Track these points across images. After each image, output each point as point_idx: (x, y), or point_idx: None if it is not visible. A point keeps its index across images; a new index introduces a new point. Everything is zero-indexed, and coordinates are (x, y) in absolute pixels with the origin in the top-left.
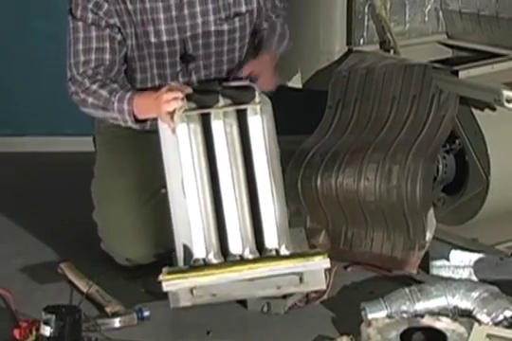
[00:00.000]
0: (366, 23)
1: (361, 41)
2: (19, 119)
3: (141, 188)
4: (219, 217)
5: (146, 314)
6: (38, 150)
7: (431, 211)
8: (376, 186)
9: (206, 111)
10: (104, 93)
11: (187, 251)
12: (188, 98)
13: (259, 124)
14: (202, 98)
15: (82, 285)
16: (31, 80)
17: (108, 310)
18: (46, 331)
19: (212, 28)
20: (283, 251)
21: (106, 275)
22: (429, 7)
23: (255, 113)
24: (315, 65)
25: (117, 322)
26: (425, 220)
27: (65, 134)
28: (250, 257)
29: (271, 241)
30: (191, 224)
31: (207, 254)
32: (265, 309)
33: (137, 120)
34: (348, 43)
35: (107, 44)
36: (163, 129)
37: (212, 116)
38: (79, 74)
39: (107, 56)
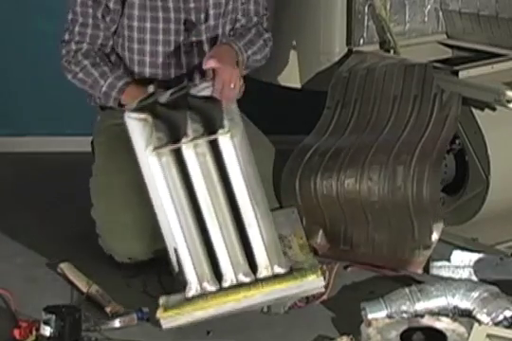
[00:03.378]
0: (366, 23)
1: (361, 41)
2: (19, 119)
3: (139, 186)
4: (208, 244)
5: (146, 313)
6: (38, 150)
7: (439, 211)
8: (380, 186)
9: (176, 146)
10: (96, 73)
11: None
12: (155, 113)
13: (231, 152)
14: (170, 118)
15: (82, 285)
16: (31, 80)
17: (108, 310)
18: (46, 331)
19: (211, 1)
20: (277, 270)
21: (106, 275)
22: (429, 7)
23: (226, 142)
24: (315, 66)
25: (117, 322)
26: (432, 220)
27: (65, 134)
28: (245, 280)
29: (263, 262)
30: (180, 255)
31: (201, 282)
32: (265, 309)
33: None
34: (348, 43)
35: (102, 23)
36: (142, 160)
37: (184, 150)
38: (74, 42)
39: (102, 33)
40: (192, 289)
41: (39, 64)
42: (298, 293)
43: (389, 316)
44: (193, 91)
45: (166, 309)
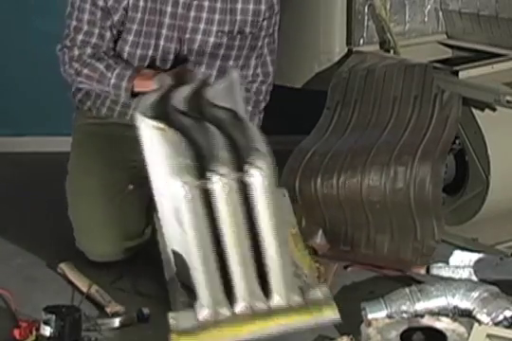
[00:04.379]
0: (366, 23)
1: (361, 41)
2: (19, 119)
3: (107, 186)
4: (224, 270)
5: (146, 314)
6: (38, 150)
7: (441, 212)
8: (381, 187)
9: (205, 184)
10: (101, 67)
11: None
12: (171, 120)
13: (260, 189)
14: (189, 131)
15: (82, 285)
16: (31, 80)
17: (108, 310)
18: (46, 331)
19: (212, 39)
20: (291, 297)
21: (106, 275)
22: (429, 7)
23: (256, 180)
24: (315, 66)
25: (117, 322)
26: (434, 220)
27: (65, 134)
28: (259, 306)
29: (278, 290)
30: (196, 279)
31: (214, 307)
32: None
33: (132, 95)
34: (348, 43)
35: (108, 34)
36: (158, 192)
37: (212, 184)
38: (77, 47)
39: (105, 44)
40: (205, 312)
41: (39, 64)
42: (313, 326)
43: (389, 316)
44: (210, 93)
45: (179, 334)
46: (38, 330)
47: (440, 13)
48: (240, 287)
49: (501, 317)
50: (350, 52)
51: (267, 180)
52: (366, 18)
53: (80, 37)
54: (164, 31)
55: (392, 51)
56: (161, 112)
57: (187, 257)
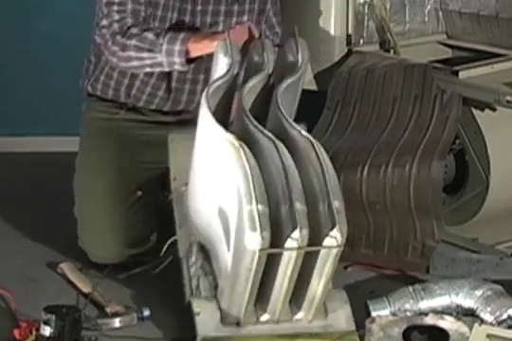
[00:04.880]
0: (366, 23)
1: (361, 41)
2: (19, 119)
3: (116, 189)
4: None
5: (146, 313)
6: (38, 150)
7: (441, 212)
8: (381, 187)
9: (279, 250)
10: (150, 35)
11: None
12: (243, 137)
13: (329, 256)
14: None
15: (82, 285)
16: (31, 80)
17: (108, 310)
18: (46, 331)
19: (223, 8)
20: (314, 319)
21: (106, 275)
22: (429, 7)
23: (331, 252)
24: (315, 66)
25: (117, 322)
26: (434, 220)
27: (65, 134)
28: (282, 318)
29: (306, 312)
30: (234, 302)
31: (244, 316)
32: None
33: (187, 61)
34: (348, 43)
35: None
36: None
37: (285, 250)
38: (116, 21)
39: (143, 7)
40: (232, 318)
41: (39, 64)
42: None
43: (393, 314)
44: (280, 91)
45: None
46: (38, 330)
47: (440, 13)
48: (273, 305)
49: (504, 316)
50: (350, 52)
51: (340, 249)
52: (366, 18)
53: (115, 8)
54: (177, 4)
55: (392, 51)
56: (226, 105)
57: (232, 278)
